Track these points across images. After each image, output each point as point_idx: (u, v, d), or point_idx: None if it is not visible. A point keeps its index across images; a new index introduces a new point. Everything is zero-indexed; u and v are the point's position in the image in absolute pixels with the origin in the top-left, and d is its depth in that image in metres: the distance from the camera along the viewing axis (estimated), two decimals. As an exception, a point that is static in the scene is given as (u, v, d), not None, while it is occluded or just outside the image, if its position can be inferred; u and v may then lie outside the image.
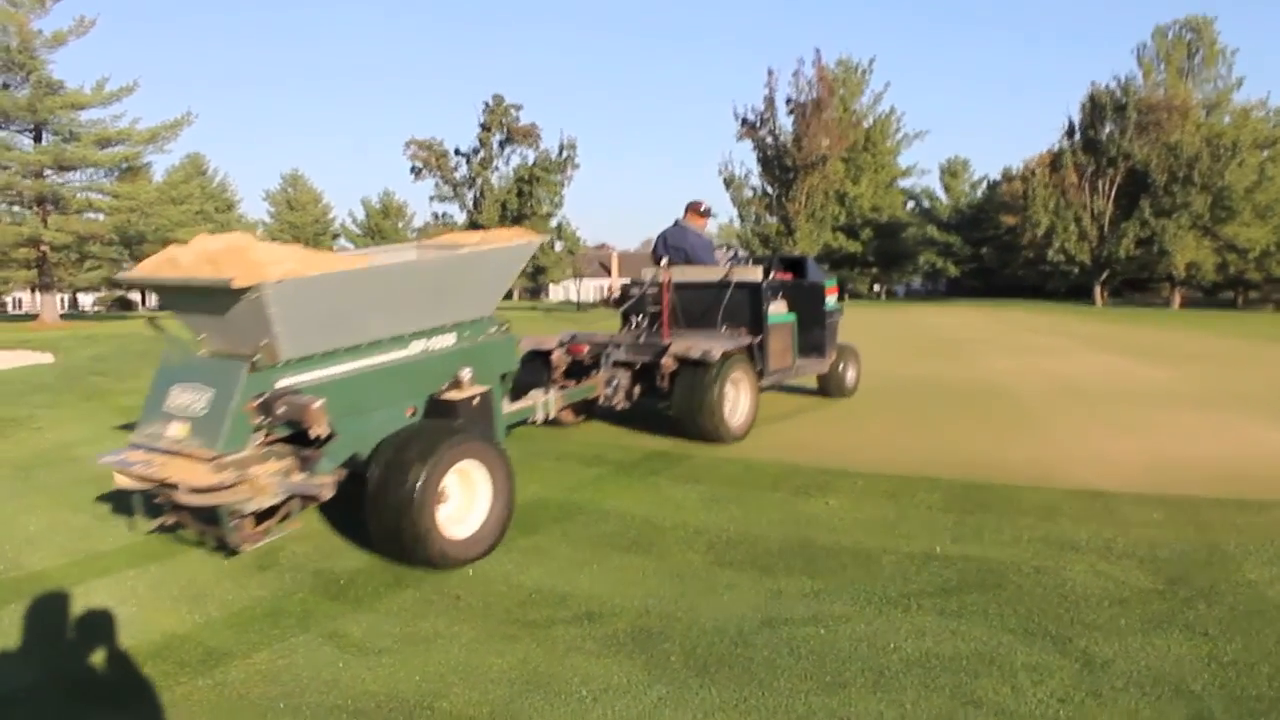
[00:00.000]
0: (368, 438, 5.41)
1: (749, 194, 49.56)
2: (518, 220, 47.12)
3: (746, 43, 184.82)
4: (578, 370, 8.78)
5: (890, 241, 61.82)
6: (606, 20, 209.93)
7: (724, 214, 49.55)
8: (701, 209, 9.93)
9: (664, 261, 9.37)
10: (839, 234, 54.91)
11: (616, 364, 8.61)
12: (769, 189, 49.13)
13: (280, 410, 4.94)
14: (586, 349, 8.69)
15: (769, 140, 47.20)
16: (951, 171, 79.03)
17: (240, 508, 4.83)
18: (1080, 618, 3.97)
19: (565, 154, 47.78)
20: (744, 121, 47.36)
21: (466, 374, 6.16)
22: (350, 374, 5.50)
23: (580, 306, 72.23)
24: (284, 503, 5.06)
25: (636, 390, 8.67)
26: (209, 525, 5.13)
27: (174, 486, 4.74)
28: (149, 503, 5.22)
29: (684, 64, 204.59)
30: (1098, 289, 53.16)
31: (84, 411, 10.50)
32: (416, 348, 6.04)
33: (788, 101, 46.08)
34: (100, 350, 18.27)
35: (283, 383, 5.09)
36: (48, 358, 16.84)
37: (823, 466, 7.06)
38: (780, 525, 5.54)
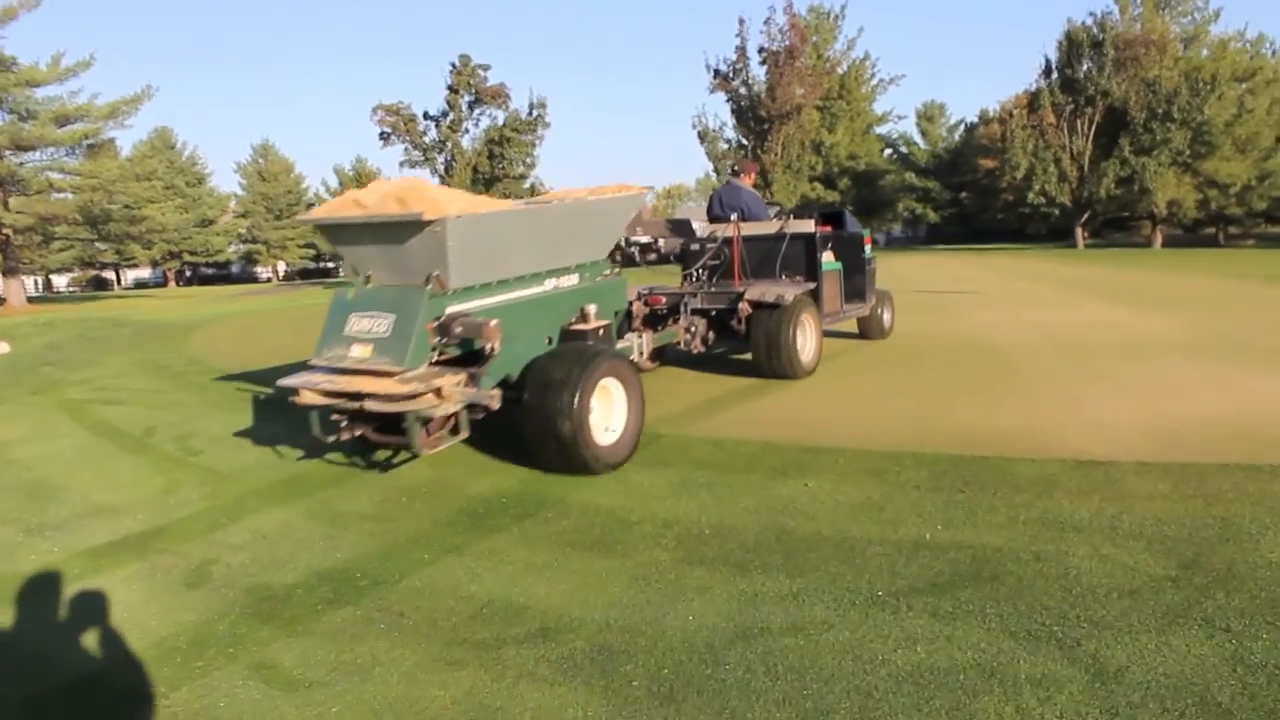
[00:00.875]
0: (517, 362, 6.40)
1: (724, 146, 48.81)
2: (490, 184, 46.33)
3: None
4: (654, 320, 9.70)
5: (868, 190, 61.12)
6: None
7: (699, 168, 48.84)
8: (751, 170, 11.47)
9: (734, 217, 10.26)
10: (816, 184, 54.11)
11: (694, 312, 9.62)
12: (744, 141, 48.38)
13: (457, 330, 5.99)
14: (664, 300, 9.57)
15: (742, 91, 46.37)
16: (928, 116, 78.38)
17: (429, 414, 5.64)
18: (1088, 614, 3.56)
19: (535, 113, 46.75)
20: (716, 73, 46.48)
21: (592, 309, 7.41)
22: (502, 304, 6.55)
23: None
24: (454, 415, 5.90)
25: (711, 336, 9.79)
26: (389, 435, 6.07)
27: (365, 398, 5.68)
28: (325, 419, 6.16)
29: (654, 15, 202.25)
30: (1079, 230, 52.77)
31: (29, 407, 10.01)
32: (550, 284, 7.20)
33: (760, 51, 45.22)
34: (57, 338, 17.76)
35: (450, 310, 6.08)
36: (4, 347, 16.28)
37: (801, 443, 6.59)
38: (756, 513, 5.11)
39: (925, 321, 13.91)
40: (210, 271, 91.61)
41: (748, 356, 9.64)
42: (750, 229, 10.19)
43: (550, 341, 7.08)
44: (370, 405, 5.77)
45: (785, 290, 9.19)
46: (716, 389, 9.05)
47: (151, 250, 77.86)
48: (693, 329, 9.55)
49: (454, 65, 45.39)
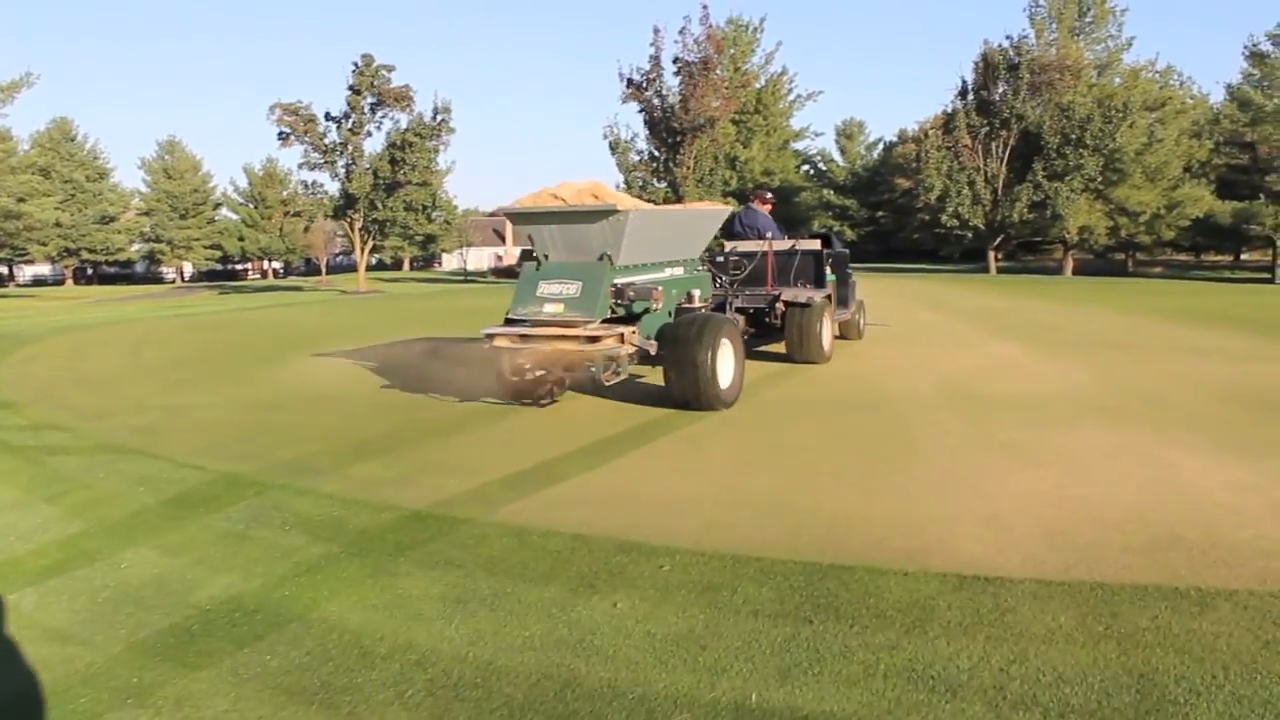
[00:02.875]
0: (655, 326, 8.95)
1: (635, 158, 47.42)
2: (390, 189, 44.40)
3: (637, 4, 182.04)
4: None
5: (783, 206, 60.14)
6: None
7: (609, 179, 47.57)
8: (767, 196, 13.98)
9: (769, 235, 12.78)
10: (730, 199, 52.99)
11: (738, 309, 11.81)
12: (656, 152, 47.05)
13: (631, 294, 8.54)
14: (711, 301, 10.94)
15: (655, 102, 45.04)
16: (847, 134, 78.29)
17: (616, 353, 8.20)
18: None
19: (440, 118, 44.87)
20: (629, 82, 44.97)
21: (696, 293, 9.98)
22: (647, 282, 8.86)
23: (468, 277, 69.74)
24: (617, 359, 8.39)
25: (749, 330, 11.78)
26: (570, 373, 8.84)
27: (563, 341, 8.30)
28: (511, 363, 8.67)
29: (576, 26, 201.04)
30: (991, 254, 52.52)
31: None
32: (669, 272, 9.58)
33: (675, 61, 43.99)
34: None
35: (617, 281, 8.53)
36: None
37: (625, 537, 5.18)
38: (540, 649, 3.77)
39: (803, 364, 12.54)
40: (112, 271, 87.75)
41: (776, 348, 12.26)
42: (755, 245, 12.66)
43: (670, 315, 9.43)
44: (567, 347, 8.37)
45: (813, 294, 12.05)
46: (565, 444, 7.67)
47: (47, 247, 74.40)
48: (736, 322, 10.78)
49: (356, 65, 43.35)
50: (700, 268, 10.61)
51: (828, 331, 12.02)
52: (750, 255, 12.37)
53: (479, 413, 9.28)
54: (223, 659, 3.81)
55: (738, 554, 4.88)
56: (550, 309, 8.62)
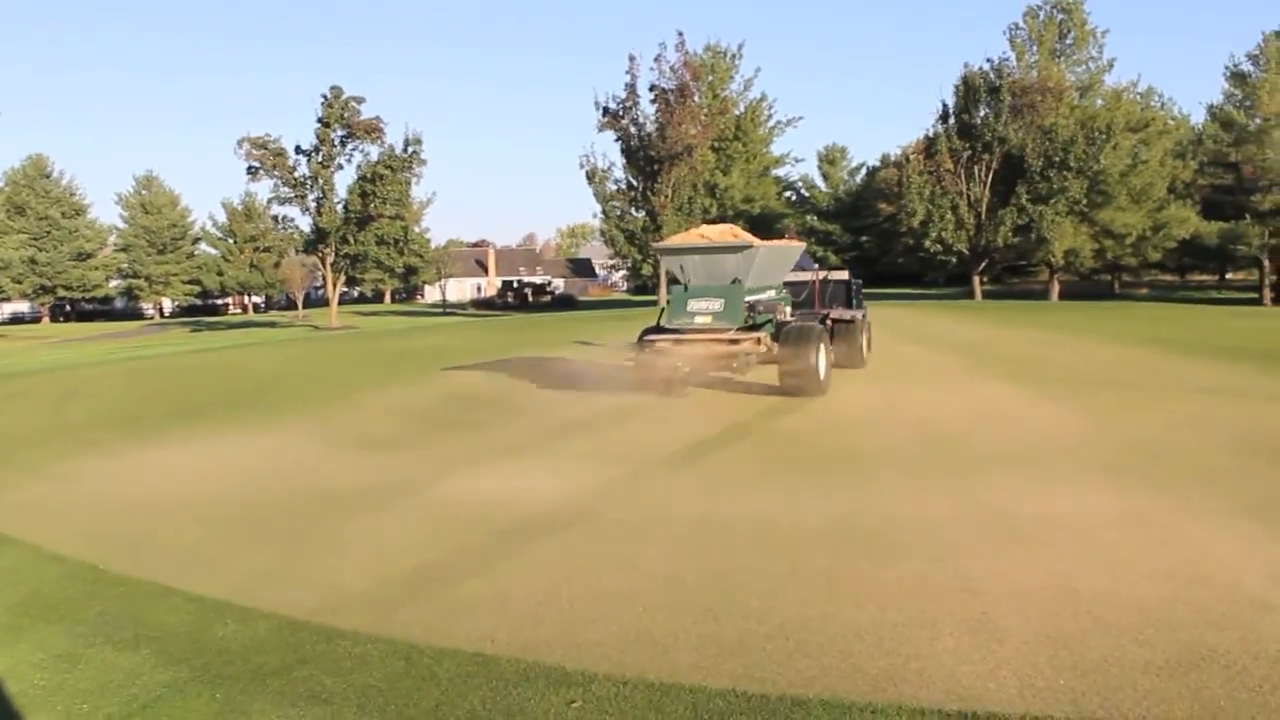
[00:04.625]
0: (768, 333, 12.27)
1: (612, 187, 46.63)
2: (362, 223, 43.41)
3: (614, 32, 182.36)
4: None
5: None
6: (473, 12, 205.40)
7: (586, 210, 46.39)
8: (799, 238, 18.27)
9: (816, 268, 16.77)
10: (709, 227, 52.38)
11: None
12: (634, 181, 46.29)
13: (760, 309, 12.35)
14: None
15: (632, 130, 44.37)
16: (829, 159, 77.90)
17: (750, 353, 11.71)
18: None
19: (411, 150, 44.01)
20: (605, 110, 44.38)
21: (787, 309, 13.63)
22: (770, 300, 12.86)
23: (447, 309, 68.61)
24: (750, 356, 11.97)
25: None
26: (712, 367, 12.24)
27: (712, 344, 11.81)
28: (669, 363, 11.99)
29: (557, 52, 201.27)
30: (976, 279, 51.75)
31: None
32: (768, 294, 12.94)
33: (651, 89, 43.33)
34: None
35: (748, 299, 12.11)
36: None
37: (533, 658, 4.27)
38: None
39: (785, 406, 11.66)
40: (90, 308, 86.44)
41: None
42: (804, 276, 15.72)
43: (772, 325, 12.40)
44: (714, 348, 11.84)
45: (855, 313, 15.01)
46: (480, 527, 6.55)
47: (22, 285, 73.22)
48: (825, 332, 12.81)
49: (325, 97, 42.48)
50: (784, 291, 14.20)
51: (865, 344, 15.25)
52: (803, 283, 15.63)
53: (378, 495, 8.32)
54: None
55: (667, 682, 3.95)
56: (700, 320, 11.90)
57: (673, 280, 12.95)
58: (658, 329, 12.58)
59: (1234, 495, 6.62)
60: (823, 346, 11.87)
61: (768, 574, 5.27)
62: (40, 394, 17.40)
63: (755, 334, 11.84)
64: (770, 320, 12.48)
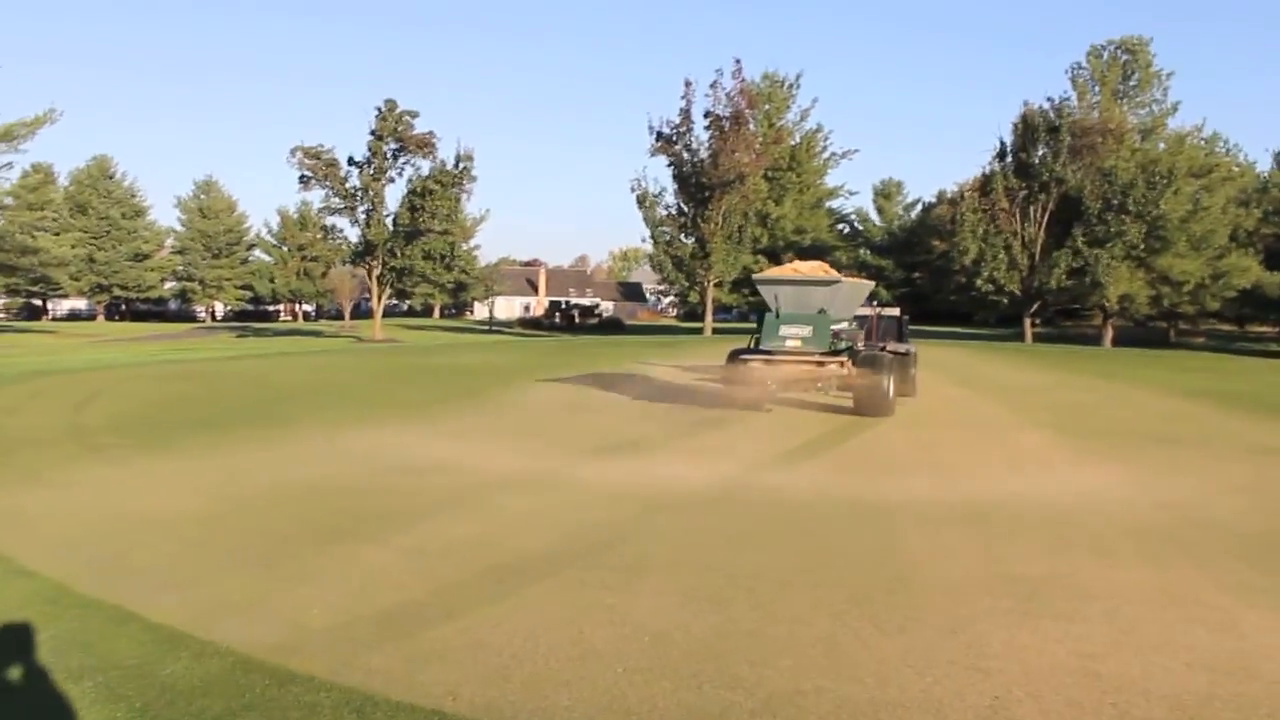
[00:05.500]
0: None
1: (662, 213, 46.36)
2: (410, 237, 43.48)
3: (674, 55, 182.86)
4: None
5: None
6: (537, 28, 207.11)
7: (638, 234, 46.15)
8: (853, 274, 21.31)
9: (875, 303, 18.99)
10: (760, 256, 51.82)
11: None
12: (684, 207, 46.00)
13: (844, 336, 14.48)
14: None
15: (685, 155, 44.13)
16: (885, 193, 77.24)
17: (835, 375, 13.72)
18: None
19: (462, 165, 44.08)
20: (659, 135, 44.25)
21: (860, 337, 15.84)
22: (852, 329, 15.44)
23: (492, 328, 68.48)
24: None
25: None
26: (798, 387, 14.67)
27: (802, 366, 13.87)
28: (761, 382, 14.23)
29: (611, 72, 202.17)
30: (1027, 322, 50.75)
31: None
32: (844, 324, 14.72)
33: (705, 115, 43.11)
34: None
35: (834, 328, 13.94)
36: None
37: None
38: None
39: (813, 452, 11.13)
40: (145, 308, 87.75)
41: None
42: (867, 310, 17.74)
43: (851, 351, 14.42)
44: (805, 369, 13.83)
45: (909, 347, 17.20)
46: (458, 572, 6.00)
47: (80, 282, 74.53)
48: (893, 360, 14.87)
49: (379, 110, 42.74)
50: (855, 323, 16.19)
51: (918, 374, 16.98)
52: (863, 318, 17.36)
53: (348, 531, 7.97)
54: None
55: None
56: (791, 344, 13.71)
57: (764, 308, 14.66)
58: (749, 349, 14.62)
59: (1287, 575, 6.04)
60: (892, 373, 13.89)
61: (763, 637, 4.82)
62: (64, 394, 17.38)
63: (839, 358, 13.72)
64: (850, 346, 14.58)
